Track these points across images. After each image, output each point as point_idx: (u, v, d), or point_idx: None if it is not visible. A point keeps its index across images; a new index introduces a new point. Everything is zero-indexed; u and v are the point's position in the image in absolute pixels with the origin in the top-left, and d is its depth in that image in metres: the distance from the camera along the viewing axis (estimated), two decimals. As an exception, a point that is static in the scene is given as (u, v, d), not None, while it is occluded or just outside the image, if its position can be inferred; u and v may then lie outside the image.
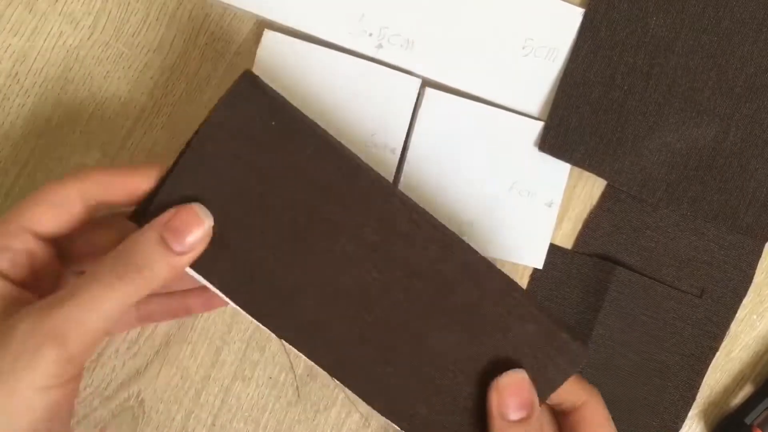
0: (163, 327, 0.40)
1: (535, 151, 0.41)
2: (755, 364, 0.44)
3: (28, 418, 0.25)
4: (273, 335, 0.31)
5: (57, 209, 0.29)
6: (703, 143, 0.42)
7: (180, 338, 0.40)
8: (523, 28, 0.40)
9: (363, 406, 0.40)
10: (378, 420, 0.42)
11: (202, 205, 0.30)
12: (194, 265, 0.30)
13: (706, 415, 0.44)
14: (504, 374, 0.31)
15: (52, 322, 0.25)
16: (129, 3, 0.40)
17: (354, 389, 0.32)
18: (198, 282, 0.31)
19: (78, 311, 0.25)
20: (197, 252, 0.29)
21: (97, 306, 0.26)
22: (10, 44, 0.39)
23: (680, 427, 0.43)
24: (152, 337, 0.40)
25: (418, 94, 0.40)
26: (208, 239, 0.29)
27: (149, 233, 0.28)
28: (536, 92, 0.41)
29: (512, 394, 0.30)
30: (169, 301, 0.36)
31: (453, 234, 0.30)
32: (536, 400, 0.31)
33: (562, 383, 0.32)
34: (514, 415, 0.30)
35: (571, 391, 0.34)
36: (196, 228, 0.29)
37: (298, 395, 0.41)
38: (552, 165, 0.41)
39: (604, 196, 0.43)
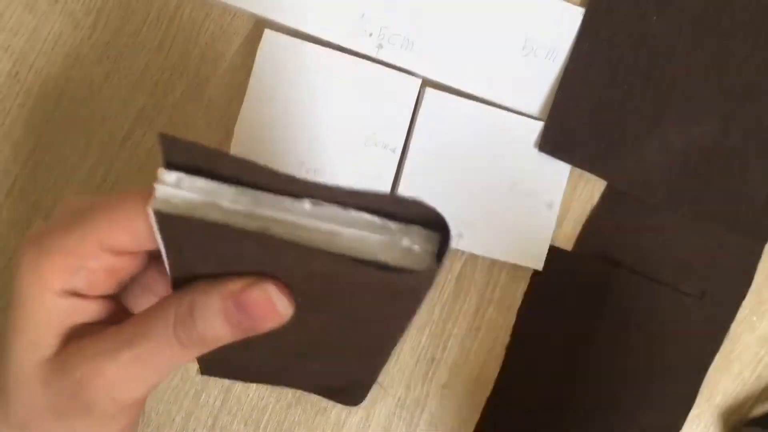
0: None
1: (535, 151, 0.41)
2: None
3: None
4: None
5: (134, 226, 0.24)
6: (704, 143, 0.41)
7: (179, 338, 0.40)
8: (523, 28, 0.41)
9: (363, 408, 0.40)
10: (378, 420, 0.42)
11: (276, 291, 0.23)
12: None
13: (706, 416, 0.44)
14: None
15: (105, 377, 0.24)
16: (129, 2, 0.40)
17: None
18: None
19: (133, 367, 0.24)
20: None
21: (152, 364, 0.24)
22: (10, 44, 0.39)
23: (680, 428, 0.43)
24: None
25: (418, 94, 0.40)
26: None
27: (214, 301, 0.23)
28: (536, 92, 0.41)
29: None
30: None
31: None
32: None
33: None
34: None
35: None
36: (271, 321, 0.23)
37: (298, 396, 0.41)
38: (552, 165, 0.41)
39: (605, 197, 0.43)
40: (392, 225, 0.21)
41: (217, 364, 0.30)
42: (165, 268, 0.24)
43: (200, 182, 0.20)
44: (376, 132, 0.40)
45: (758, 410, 0.44)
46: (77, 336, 0.24)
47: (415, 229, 0.21)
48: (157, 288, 0.29)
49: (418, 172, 0.40)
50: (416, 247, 0.21)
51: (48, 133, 0.40)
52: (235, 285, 0.23)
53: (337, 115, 0.39)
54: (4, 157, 0.39)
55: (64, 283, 0.23)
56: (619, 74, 0.41)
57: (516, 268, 0.43)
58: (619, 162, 0.41)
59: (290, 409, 0.41)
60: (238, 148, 0.39)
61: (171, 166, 0.20)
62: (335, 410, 0.41)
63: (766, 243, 0.43)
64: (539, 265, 0.42)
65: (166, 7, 0.40)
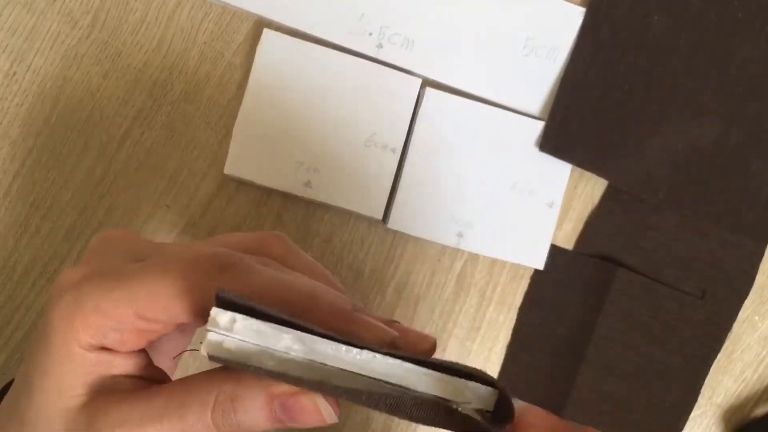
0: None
1: (536, 151, 0.41)
2: None
3: None
4: None
5: (173, 307, 0.23)
6: (705, 143, 0.41)
7: (179, 339, 0.40)
8: (523, 28, 0.40)
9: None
10: (378, 420, 0.42)
11: (324, 401, 0.23)
12: None
13: (708, 416, 0.44)
14: None
15: (100, 429, 0.23)
16: (128, 2, 0.40)
17: None
18: None
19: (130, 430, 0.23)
20: None
21: None
22: (8, 43, 0.39)
23: (682, 428, 0.43)
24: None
25: (419, 94, 0.40)
26: None
27: (259, 397, 0.23)
28: (537, 92, 0.41)
29: None
30: None
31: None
32: None
33: None
34: None
35: None
36: (315, 422, 0.23)
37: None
38: (553, 165, 0.41)
39: (606, 197, 0.43)
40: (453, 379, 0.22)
41: None
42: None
43: (253, 324, 0.21)
44: (376, 132, 0.39)
45: (760, 410, 0.44)
46: (106, 388, 0.24)
47: (474, 385, 0.21)
48: (178, 341, 0.29)
49: (418, 172, 0.40)
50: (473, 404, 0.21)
51: (46, 133, 0.39)
52: (282, 388, 0.23)
53: (337, 115, 0.39)
54: (2, 156, 0.39)
55: (95, 340, 0.23)
56: (620, 74, 0.41)
57: (517, 267, 0.43)
58: (620, 161, 0.41)
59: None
60: (237, 148, 0.39)
61: (222, 303, 0.20)
62: (335, 411, 0.41)
63: (767, 243, 0.43)
64: (540, 265, 0.42)
65: (165, 6, 0.40)
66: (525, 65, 0.41)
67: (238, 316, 0.20)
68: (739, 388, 0.44)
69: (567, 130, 0.41)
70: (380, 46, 0.40)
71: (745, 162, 0.41)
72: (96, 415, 0.23)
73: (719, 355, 0.43)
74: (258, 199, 0.41)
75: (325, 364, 0.21)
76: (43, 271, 0.40)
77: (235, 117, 0.39)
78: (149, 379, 0.25)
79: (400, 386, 0.21)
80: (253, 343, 0.21)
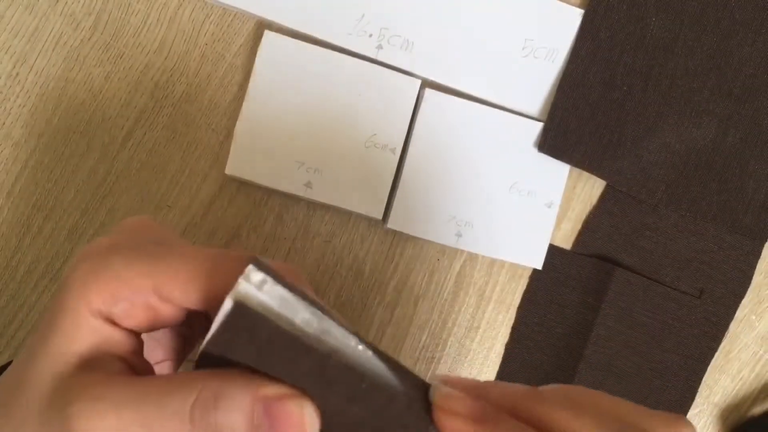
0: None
1: (535, 151, 0.41)
2: None
3: None
4: None
5: (191, 288, 0.24)
6: (703, 144, 0.42)
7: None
8: (522, 29, 0.41)
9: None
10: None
11: (312, 411, 0.23)
12: None
13: (705, 414, 0.45)
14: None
15: (96, 427, 0.22)
16: (129, 4, 0.40)
17: None
18: None
19: (132, 428, 0.22)
20: None
21: (152, 430, 0.23)
22: (11, 45, 0.39)
23: (679, 427, 0.43)
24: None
25: (418, 95, 0.40)
26: None
27: (244, 397, 0.22)
28: (536, 93, 0.41)
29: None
30: None
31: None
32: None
33: None
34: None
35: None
36: None
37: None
38: (551, 165, 0.41)
39: (604, 197, 0.43)
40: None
41: None
42: (188, 333, 0.24)
43: (280, 290, 0.22)
44: (376, 132, 0.40)
45: (757, 409, 0.44)
46: (94, 362, 0.24)
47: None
48: (165, 342, 0.29)
49: (418, 172, 0.40)
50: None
51: (48, 134, 0.40)
52: (271, 390, 0.22)
53: (338, 116, 0.40)
54: (4, 157, 0.39)
55: (104, 306, 0.23)
56: (618, 75, 0.41)
57: (515, 267, 0.43)
58: (618, 162, 0.41)
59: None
60: (238, 148, 0.39)
61: (258, 268, 0.22)
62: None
63: (765, 243, 0.43)
64: (539, 264, 0.42)
65: (166, 8, 0.40)
66: (524, 66, 0.41)
67: (269, 279, 0.22)
68: (737, 387, 0.44)
69: (565, 130, 0.41)
70: (380, 47, 0.40)
71: (742, 162, 0.42)
72: (75, 387, 0.23)
73: (716, 354, 0.43)
74: (259, 199, 0.41)
75: (334, 346, 0.22)
76: (45, 271, 0.40)
77: (236, 118, 0.39)
78: (138, 367, 0.25)
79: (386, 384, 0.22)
80: (276, 308, 0.22)
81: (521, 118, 0.41)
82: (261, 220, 0.41)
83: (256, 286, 0.22)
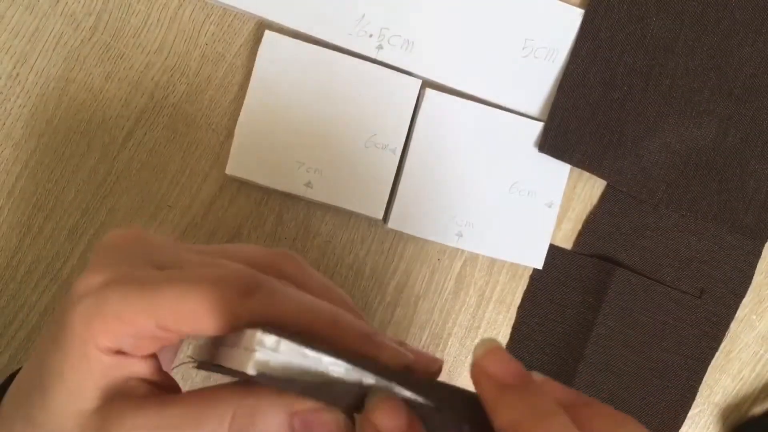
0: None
1: (535, 151, 0.41)
2: None
3: None
4: None
5: (196, 323, 0.23)
6: (703, 144, 0.42)
7: (181, 338, 0.40)
8: (522, 29, 0.41)
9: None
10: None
11: (344, 417, 0.24)
12: None
13: (705, 414, 0.45)
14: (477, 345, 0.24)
15: None
16: (130, 4, 0.40)
17: None
18: None
19: None
20: None
21: None
22: (11, 45, 0.39)
23: (680, 426, 0.43)
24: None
25: (419, 95, 0.40)
26: None
27: (280, 413, 0.23)
28: (536, 93, 0.41)
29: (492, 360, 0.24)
30: None
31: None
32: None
33: None
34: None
35: None
36: None
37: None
38: (552, 165, 0.41)
39: (604, 197, 0.43)
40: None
41: None
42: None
43: (296, 347, 0.22)
44: (377, 133, 0.40)
45: (758, 409, 0.44)
46: (120, 392, 0.24)
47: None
48: (176, 346, 0.29)
49: (418, 172, 0.40)
50: None
51: (49, 134, 0.40)
52: (305, 404, 0.23)
53: (338, 116, 0.40)
54: (5, 157, 0.39)
55: (112, 344, 0.23)
56: (619, 75, 0.41)
57: (516, 266, 0.43)
58: (618, 162, 0.41)
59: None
60: (239, 148, 0.39)
61: (268, 331, 0.22)
62: (336, 409, 0.41)
63: (765, 243, 0.43)
64: (539, 264, 0.42)
65: (167, 8, 0.40)
66: (524, 66, 0.41)
67: (282, 339, 0.22)
68: (737, 387, 0.44)
69: (566, 130, 0.41)
70: (380, 47, 0.40)
71: (743, 162, 0.42)
72: (109, 419, 0.23)
73: (717, 354, 0.43)
74: (259, 199, 0.41)
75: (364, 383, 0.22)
76: (45, 271, 0.40)
77: (236, 118, 0.39)
78: (161, 384, 0.25)
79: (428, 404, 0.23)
80: (296, 364, 0.22)
81: (521, 118, 0.41)
82: (261, 220, 0.41)
83: (272, 350, 0.22)
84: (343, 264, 0.42)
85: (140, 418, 0.23)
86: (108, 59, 0.40)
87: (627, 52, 0.41)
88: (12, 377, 0.27)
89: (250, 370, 0.21)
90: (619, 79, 0.41)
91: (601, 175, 0.42)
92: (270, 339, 0.21)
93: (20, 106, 0.39)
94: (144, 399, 0.24)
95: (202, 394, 0.24)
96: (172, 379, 0.26)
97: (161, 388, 0.25)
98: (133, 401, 0.24)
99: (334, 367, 0.22)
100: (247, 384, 0.23)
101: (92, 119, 0.40)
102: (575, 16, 0.41)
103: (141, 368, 0.24)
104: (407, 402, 0.22)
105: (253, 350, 0.21)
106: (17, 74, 0.39)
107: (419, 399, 0.23)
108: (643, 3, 0.41)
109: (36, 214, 0.40)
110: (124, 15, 0.40)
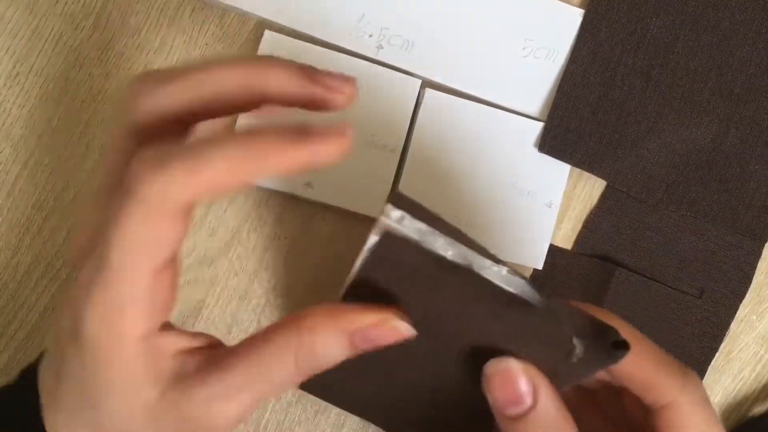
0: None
1: (535, 151, 0.41)
2: None
3: None
4: None
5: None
6: (703, 144, 0.42)
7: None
8: (522, 29, 0.41)
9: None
10: (378, 420, 0.42)
11: (403, 323, 0.25)
12: None
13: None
14: (488, 363, 0.26)
15: (224, 416, 0.23)
16: (129, 4, 0.40)
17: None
18: None
19: (253, 403, 0.24)
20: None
21: (270, 394, 0.24)
22: (10, 45, 0.39)
23: (680, 427, 0.43)
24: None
25: (418, 95, 0.40)
26: None
27: (340, 338, 0.24)
28: (536, 93, 0.41)
29: (498, 388, 0.26)
30: None
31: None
32: (528, 393, 0.25)
33: (585, 376, 0.27)
34: (509, 410, 0.26)
35: (645, 385, 0.27)
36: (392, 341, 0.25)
37: (299, 395, 0.41)
38: (552, 165, 0.41)
39: (604, 197, 0.43)
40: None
41: (320, 385, 0.33)
42: None
43: (419, 225, 0.23)
44: (376, 132, 0.40)
45: (758, 409, 0.44)
46: (174, 372, 0.24)
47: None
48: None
49: (418, 172, 0.40)
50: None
51: (48, 134, 0.40)
52: (360, 322, 0.24)
53: (337, 116, 0.39)
54: (4, 157, 0.39)
55: (143, 329, 0.23)
56: (619, 75, 0.41)
57: (516, 267, 0.43)
58: (618, 162, 0.41)
59: (290, 408, 0.41)
60: (238, 148, 0.39)
61: (396, 205, 0.23)
62: (335, 410, 0.41)
63: (765, 243, 0.43)
64: (539, 265, 0.42)
65: (167, 8, 0.40)
66: (524, 66, 0.41)
67: (407, 215, 0.23)
68: (737, 387, 0.44)
69: (566, 130, 0.41)
70: (380, 47, 0.40)
71: (742, 162, 0.42)
72: (179, 400, 0.23)
73: (717, 355, 0.43)
74: (259, 199, 0.41)
75: (473, 270, 0.23)
76: (45, 271, 0.40)
77: (235, 119, 0.39)
78: (200, 346, 0.25)
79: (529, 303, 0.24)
80: (416, 240, 0.23)
81: (521, 118, 0.41)
82: (261, 220, 0.41)
83: (396, 222, 0.23)
84: (344, 264, 0.42)
85: (208, 388, 0.23)
86: (107, 59, 0.40)
87: (627, 52, 0.41)
88: (23, 375, 0.27)
89: (372, 237, 0.23)
90: (618, 79, 0.41)
91: (601, 175, 0.42)
92: (396, 213, 0.23)
93: (20, 106, 0.39)
94: (199, 369, 0.24)
95: (256, 344, 0.24)
96: (208, 336, 0.26)
97: (203, 349, 0.25)
98: (192, 375, 0.24)
99: (449, 248, 0.23)
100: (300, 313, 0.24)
101: (91, 119, 0.40)
102: (575, 16, 0.41)
103: (177, 339, 0.24)
104: (514, 296, 0.23)
105: (378, 219, 0.23)
106: (17, 74, 0.39)
107: (531, 289, 0.24)
108: (643, 3, 0.41)
109: (35, 214, 0.40)
110: (123, 15, 0.40)
